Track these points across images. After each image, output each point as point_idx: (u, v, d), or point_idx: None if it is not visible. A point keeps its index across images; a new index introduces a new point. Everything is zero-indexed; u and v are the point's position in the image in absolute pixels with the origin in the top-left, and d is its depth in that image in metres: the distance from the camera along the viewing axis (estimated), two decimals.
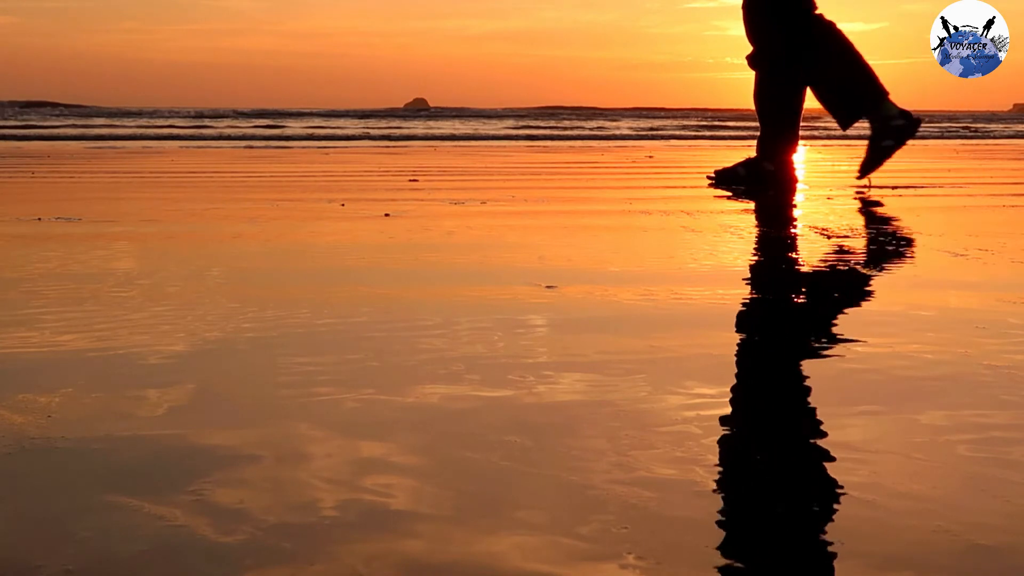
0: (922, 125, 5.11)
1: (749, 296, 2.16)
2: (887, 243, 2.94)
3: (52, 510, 1.00)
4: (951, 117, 37.22)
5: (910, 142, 5.14)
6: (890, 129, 4.93)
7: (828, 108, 5.07)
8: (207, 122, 21.42)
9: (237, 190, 5.00)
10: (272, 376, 1.49)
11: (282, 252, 2.83)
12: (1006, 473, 1.11)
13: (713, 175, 5.25)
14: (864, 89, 4.95)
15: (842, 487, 1.06)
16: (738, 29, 5.16)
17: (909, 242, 2.98)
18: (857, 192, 4.81)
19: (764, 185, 5.01)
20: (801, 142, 5.25)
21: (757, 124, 5.19)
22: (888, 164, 5.04)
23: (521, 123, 22.92)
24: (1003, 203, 4.41)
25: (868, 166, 5.04)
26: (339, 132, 16.95)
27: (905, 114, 4.94)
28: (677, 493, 1.05)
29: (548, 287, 2.19)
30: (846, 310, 2.01)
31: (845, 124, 5.05)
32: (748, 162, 5.18)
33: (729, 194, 4.69)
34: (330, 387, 1.43)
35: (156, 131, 16.35)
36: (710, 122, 23.88)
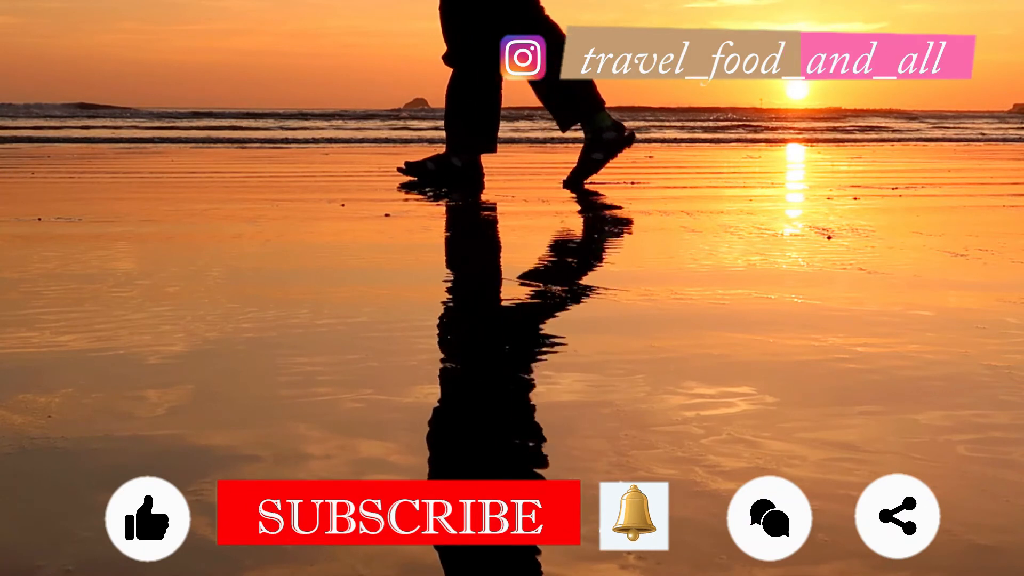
0: (636, 140, 5.10)
1: (749, 297, 2.16)
2: (887, 243, 2.94)
3: (52, 510, 1.00)
4: (951, 117, 37.24)
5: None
6: (601, 142, 4.96)
7: (548, 108, 5.05)
8: (207, 122, 21.41)
9: (237, 190, 5.00)
10: (272, 376, 1.49)
11: (282, 252, 2.83)
12: (1006, 473, 1.11)
13: (404, 166, 5.21)
14: (583, 94, 4.94)
15: (842, 487, 1.06)
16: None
17: (909, 242, 2.98)
18: (854, 194, 4.81)
19: (452, 182, 4.97)
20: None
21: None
22: (888, 164, 5.04)
23: (520, 123, 22.92)
24: (1003, 203, 4.41)
25: (577, 177, 5.04)
26: (339, 133, 16.95)
27: (617, 126, 4.97)
28: (677, 493, 1.05)
29: (548, 287, 2.19)
30: (846, 310, 2.01)
31: (564, 126, 5.06)
32: (437, 157, 5.14)
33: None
34: (330, 387, 1.43)
35: (155, 132, 16.35)
36: (713, 122, 23.93)
